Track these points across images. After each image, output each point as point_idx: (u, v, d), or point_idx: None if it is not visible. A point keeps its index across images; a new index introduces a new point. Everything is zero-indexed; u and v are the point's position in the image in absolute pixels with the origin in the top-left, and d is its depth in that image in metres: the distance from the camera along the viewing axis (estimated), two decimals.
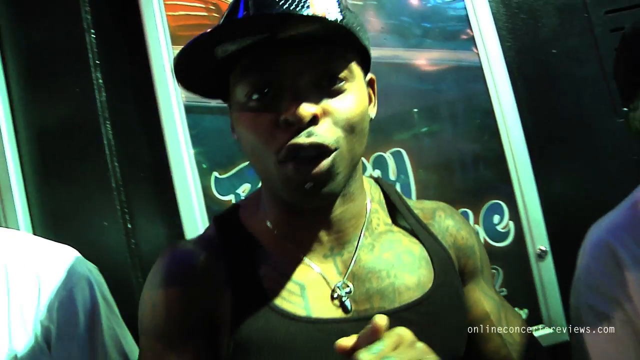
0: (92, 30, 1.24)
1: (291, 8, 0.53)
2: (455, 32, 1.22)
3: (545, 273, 1.16)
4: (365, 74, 0.65)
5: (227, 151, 1.18)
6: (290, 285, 0.62)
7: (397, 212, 0.72)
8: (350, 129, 0.57)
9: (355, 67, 0.60)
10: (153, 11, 1.21)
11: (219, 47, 0.55)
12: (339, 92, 0.57)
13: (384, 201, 0.73)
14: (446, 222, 0.74)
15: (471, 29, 1.21)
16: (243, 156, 1.18)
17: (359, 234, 0.67)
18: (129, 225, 1.20)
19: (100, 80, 1.23)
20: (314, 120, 0.55)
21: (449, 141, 1.20)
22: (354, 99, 0.58)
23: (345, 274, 0.64)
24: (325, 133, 0.55)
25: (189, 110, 1.19)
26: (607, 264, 0.71)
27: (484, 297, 0.74)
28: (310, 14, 0.53)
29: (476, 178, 1.20)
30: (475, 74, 1.20)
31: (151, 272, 0.67)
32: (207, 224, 1.16)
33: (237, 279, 0.62)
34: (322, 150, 0.55)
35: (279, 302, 0.61)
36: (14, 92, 1.22)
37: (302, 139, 0.54)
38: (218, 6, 1.22)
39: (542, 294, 1.17)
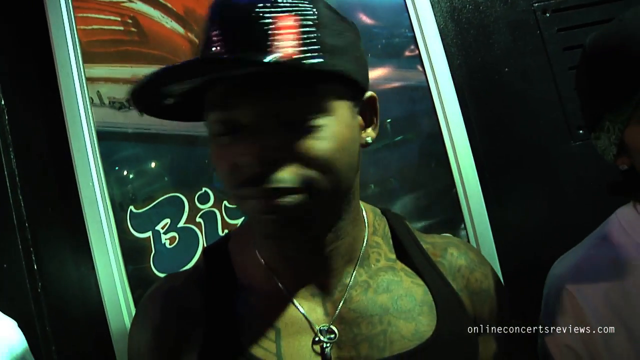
0: None
1: (250, 51, 0.49)
2: (399, 48, 1.12)
3: None
4: (358, 93, 0.58)
5: (144, 182, 1.05)
6: (265, 329, 0.59)
7: (402, 247, 0.66)
8: (325, 168, 0.51)
9: (332, 95, 0.53)
10: (63, 24, 1.08)
11: (164, 88, 0.51)
12: (311, 128, 0.51)
13: (389, 234, 0.67)
14: (458, 261, 0.67)
15: (417, 46, 1.12)
16: (162, 188, 1.05)
17: (352, 271, 0.61)
18: (35, 267, 1.06)
19: (2, 102, 1.10)
20: (276, 164, 0.50)
21: (391, 168, 1.10)
22: (330, 133, 0.52)
23: (333, 315, 0.59)
24: (288, 177, 0.50)
25: (102, 136, 1.06)
26: (566, 312, 0.68)
27: (501, 353, 0.65)
28: (272, 58, 0.46)
29: (421, 209, 1.10)
30: (422, 94, 1.11)
31: (137, 308, 0.68)
32: (121, 264, 1.04)
33: (211, 321, 0.60)
34: (285, 192, 0.50)
35: (249, 347, 0.57)
36: None
37: (258, 187, 0.50)
38: (136, 19, 1.09)
39: None
